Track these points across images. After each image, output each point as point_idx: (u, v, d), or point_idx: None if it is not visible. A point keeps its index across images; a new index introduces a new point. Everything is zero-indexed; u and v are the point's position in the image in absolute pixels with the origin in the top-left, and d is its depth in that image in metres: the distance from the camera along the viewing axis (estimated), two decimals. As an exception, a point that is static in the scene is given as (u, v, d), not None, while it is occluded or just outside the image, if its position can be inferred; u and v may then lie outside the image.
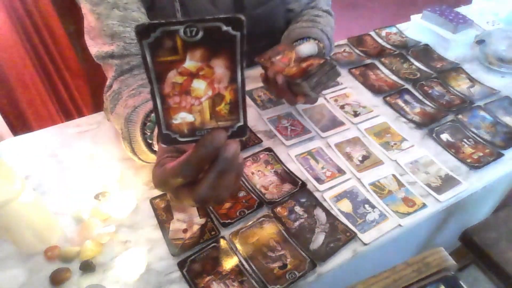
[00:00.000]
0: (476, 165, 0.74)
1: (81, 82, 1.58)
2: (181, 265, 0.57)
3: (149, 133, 0.56)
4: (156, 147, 0.55)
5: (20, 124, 1.37)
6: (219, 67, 0.32)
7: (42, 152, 0.75)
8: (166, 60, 0.31)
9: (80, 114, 1.57)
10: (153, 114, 0.53)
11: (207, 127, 0.35)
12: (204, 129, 0.35)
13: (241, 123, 0.35)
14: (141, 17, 0.68)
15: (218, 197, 0.37)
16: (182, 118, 0.34)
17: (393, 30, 1.16)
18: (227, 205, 0.65)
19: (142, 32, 0.29)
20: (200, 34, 0.30)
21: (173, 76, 0.32)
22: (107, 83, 0.70)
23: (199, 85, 0.33)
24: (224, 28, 0.30)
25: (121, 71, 0.68)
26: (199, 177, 0.35)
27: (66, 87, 1.51)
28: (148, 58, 0.31)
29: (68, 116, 1.54)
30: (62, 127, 0.82)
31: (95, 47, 0.68)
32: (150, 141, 0.56)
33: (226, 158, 0.34)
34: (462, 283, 0.52)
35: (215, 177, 0.35)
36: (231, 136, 0.35)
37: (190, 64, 0.31)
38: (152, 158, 0.59)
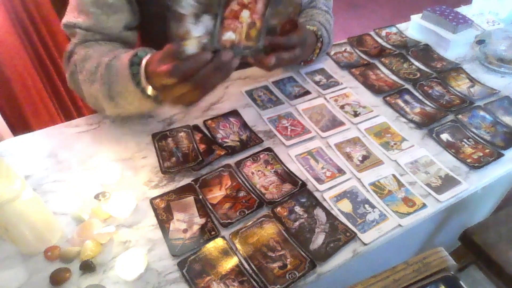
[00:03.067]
0: (476, 165, 0.74)
1: (81, 82, 1.57)
2: (181, 265, 0.57)
3: (136, 65, 0.62)
4: (149, 92, 0.63)
5: (20, 124, 1.37)
6: (260, 3, 0.50)
7: (42, 152, 0.75)
8: None
9: (80, 114, 1.57)
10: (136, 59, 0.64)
11: (241, 44, 0.53)
12: (239, 46, 0.53)
13: (260, 43, 0.55)
14: (118, 5, 0.72)
15: (208, 84, 0.54)
16: (229, 36, 0.50)
17: (393, 30, 1.16)
18: (227, 205, 0.65)
19: None
20: None
21: (234, 5, 0.48)
22: (68, 48, 0.74)
23: (245, 14, 0.49)
24: None
25: (85, 40, 0.73)
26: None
27: (66, 87, 1.51)
28: None
29: (68, 116, 1.54)
30: (62, 127, 0.82)
31: (65, 18, 0.73)
32: (136, 72, 0.62)
33: (220, 59, 0.51)
34: (462, 283, 0.52)
35: (208, 70, 0.51)
36: (253, 52, 0.55)
37: None
38: (132, 98, 0.65)
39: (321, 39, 0.86)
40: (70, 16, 0.73)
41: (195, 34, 0.47)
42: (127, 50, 0.67)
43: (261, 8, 0.50)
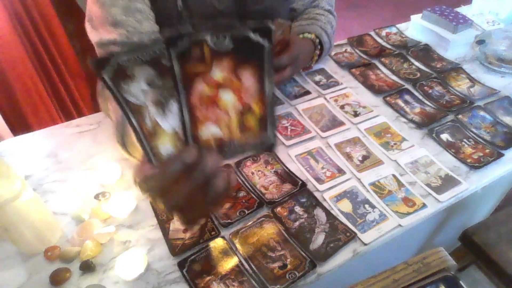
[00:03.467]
0: (476, 165, 0.74)
1: (81, 82, 1.58)
2: (181, 265, 0.57)
3: None
4: None
5: (20, 124, 1.37)
6: (247, 79, 0.31)
7: (42, 152, 0.75)
8: (194, 69, 0.31)
9: (80, 114, 1.57)
10: None
11: (235, 142, 0.34)
12: (232, 144, 0.35)
13: (269, 136, 0.35)
14: (145, 8, 0.68)
15: (191, 210, 0.36)
16: (211, 132, 0.33)
17: (393, 30, 1.16)
18: (227, 205, 0.65)
19: (169, 40, 0.29)
20: (228, 42, 0.29)
21: (201, 87, 0.31)
22: None
23: (227, 97, 0.32)
24: (253, 36, 0.29)
25: None
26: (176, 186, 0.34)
27: (66, 87, 1.51)
28: (176, 68, 0.30)
29: (68, 116, 1.54)
30: (62, 127, 0.82)
31: (97, 36, 0.68)
32: None
33: (203, 170, 0.33)
34: (462, 283, 0.52)
35: (188, 188, 0.33)
36: (259, 150, 0.36)
37: (217, 74, 0.31)
38: (140, 153, 0.59)
39: (319, 46, 0.85)
40: (102, 32, 0.67)
41: (166, 128, 0.33)
42: None
43: (254, 85, 0.31)
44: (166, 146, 0.34)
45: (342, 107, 0.87)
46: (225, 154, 0.34)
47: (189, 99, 0.32)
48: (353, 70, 0.98)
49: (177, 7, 0.71)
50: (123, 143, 0.60)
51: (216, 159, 0.33)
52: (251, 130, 0.34)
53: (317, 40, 0.84)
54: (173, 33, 0.28)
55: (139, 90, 0.31)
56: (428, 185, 0.70)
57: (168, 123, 0.33)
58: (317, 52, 0.86)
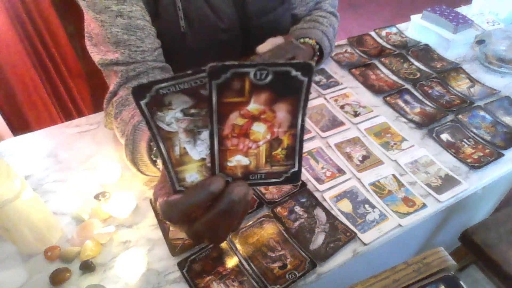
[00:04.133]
0: (476, 165, 0.74)
1: (81, 82, 1.58)
2: (181, 265, 0.57)
3: (155, 150, 0.54)
4: (160, 166, 0.53)
5: (20, 124, 1.37)
6: (281, 112, 0.31)
7: (42, 152, 0.75)
8: (232, 101, 0.30)
9: (80, 114, 1.57)
10: None
11: (261, 171, 0.34)
12: (258, 173, 0.35)
13: (296, 169, 0.35)
14: (146, 25, 0.66)
15: (215, 236, 0.36)
16: (238, 160, 0.33)
17: (393, 30, 1.16)
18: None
19: (213, 73, 0.28)
20: (269, 77, 0.29)
21: (234, 118, 0.31)
22: (111, 89, 0.68)
23: (258, 129, 0.32)
24: (294, 73, 0.29)
25: (127, 77, 0.67)
26: (199, 214, 0.34)
27: (66, 87, 1.51)
28: (214, 99, 0.30)
29: (68, 116, 1.54)
30: (62, 127, 0.82)
31: (98, 54, 0.67)
32: (155, 159, 0.54)
33: (230, 199, 0.33)
34: (462, 283, 0.52)
35: (213, 217, 0.33)
36: (284, 181, 0.35)
37: (253, 107, 0.31)
38: (152, 171, 0.58)
39: (318, 53, 0.84)
40: (104, 52, 0.67)
41: (194, 156, 0.33)
42: None
43: (286, 117, 0.31)
44: (192, 173, 0.34)
45: (342, 107, 0.87)
46: (250, 182, 0.35)
47: (221, 129, 0.31)
48: (353, 70, 0.98)
49: (180, 27, 0.71)
50: (133, 160, 0.59)
51: (243, 189, 0.33)
52: (277, 161, 0.34)
53: (317, 46, 0.83)
54: (218, 66, 0.28)
55: (173, 118, 0.31)
56: (428, 185, 0.70)
57: (197, 151, 0.33)
58: (315, 58, 0.85)
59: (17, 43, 1.26)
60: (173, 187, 0.34)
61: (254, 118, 0.31)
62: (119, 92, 0.68)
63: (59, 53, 1.42)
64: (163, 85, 0.29)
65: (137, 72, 0.67)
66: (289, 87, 0.30)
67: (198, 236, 0.35)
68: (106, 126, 0.76)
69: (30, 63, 1.33)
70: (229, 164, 0.33)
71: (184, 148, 0.33)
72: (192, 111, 0.31)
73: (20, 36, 1.27)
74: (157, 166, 0.54)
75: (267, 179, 0.35)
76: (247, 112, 0.31)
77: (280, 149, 0.34)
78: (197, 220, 0.34)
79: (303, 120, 0.32)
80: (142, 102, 0.29)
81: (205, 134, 0.32)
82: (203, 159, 0.33)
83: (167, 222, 0.38)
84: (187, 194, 0.33)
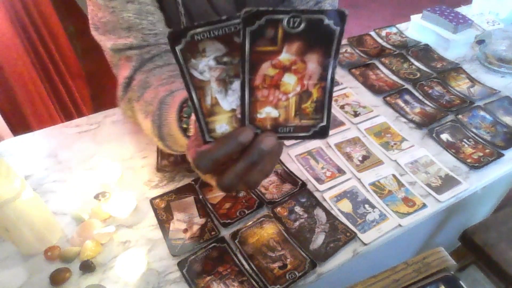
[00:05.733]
0: (476, 165, 0.74)
1: (81, 82, 1.58)
2: (181, 265, 0.57)
3: (185, 118, 0.53)
4: (192, 132, 0.52)
5: (20, 124, 1.37)
6: (312, 63, 0.31)
7: (42, 152, 0.75)
8: (264, 50, 0.30)
9: (80, 114, 1.57)
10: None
11: (290, 124, 0.34)
12: (287, 126, 0.35)
13: (324, 123, 0.35)
14: (156, 10, 0.67)
15: (247, 183, 0.37)
16: (267, 112, 0.33)
17: (393, 30, 1.16)
18: (227, 205, 0.65)
19: (247, 18, 0.29)
20: (302, 25, 0.29)
21: (266, 68, 0.31)
22: (127, 74, 0.67)
23: (289, 80, 0.32)
24: (326, 21, 0.29)
25: (142, 60, 0.66)
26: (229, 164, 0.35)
27: (66, 87, 1.51)
28: (247, 47, 0.30)
29: (68, 116, 1.54)
30: (62, 127, 0.82)
31: (109, 41, 0.67)
32: (186, 126, 0.53)
33: (260, 150, 0.34)
34: (462, 283, 0.52)
35: (242, 167, 0.34)
36: (312, 136, 0.35)
37: (285, 56, 0.31)
38: (182, 143, 0.57)
39: None
40: (114, 38, 0.65)
41: (225, 107, 0.33)
42: None
43: (317, 69, 0.31)
44: (222, 124, 0.34)
45: (342, 107, 0.87)
46: (278, 135, 0.35)
47: (252, 79, 0.31)
48: (353, 70, 0.98)
49: (181, 23, 0.71)
50: (160, 135, 0.58)
51: (272, 139, 0.34)
52: (307, 114, 0.34)
53: None
54: (252, 11, 0.28)
55: (206, 65, 0.31)
56: (428, 185, 0.70)
57: (228, 101, 0.33)
58: None
59: (17, 43, 1.26)
60: (204, 138, 0.35)
61: (285, 69, 0.31)
62: (136, 77, 0.67)
63: (59, 53, 1.42)
64: (198, 30, 0.29)
65: (152, 54, 0.67)
66: (321, 37, 0.30)
67: (229, 186, 0.36)
68: (124, 113, 0.73)
69: (30, 63, 1.33)
70: (258, 116, 0.33)
71: (215, 98, 0.33)
72: (225, 59, 0.31)
73: (20, 36, 1.27)
74: (188, 134, 0.53)
75: (296, 132, 0.35)
76: (279, 62, 0.31)
77: (309, 102, 0.33)
78: (227, 170, 0.35)
79: (333, 73, 0.32)
80: (177, 48, 0.30)
81: (236, 84, 0.32)
82: (233, 110, 0.34)
83: (200, 173, 0.40)
84: (217, 144, 0.34)
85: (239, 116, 0.34)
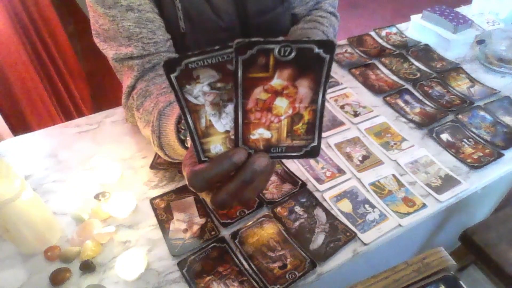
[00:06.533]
0: (476, 165, 0.74)
1: (81, 82, 1.58)
2: (181, 265, 0.57)
3: (183, 130, 0.55)
4: (189, 144, 0.54)
5: (20, 124, 1.37)
6: (303, 88, 0.33)
7: (42, 152, 0.75)
8: (256, 76, 0.32)
9: (80, 114, 1.57)
10: None
11: (282, 145, 0.36)
12: (279, 146, 0.36)
13: (315, 143, 0.36)
14: (156, 17, 0.67)
15: (241, 200, 0.38)
16: (260, 133, 0.35)
17: (393, 30, 1.16)
18: (227, 205, 0.65)
19: (240, 48, 0.30)
20: (293, 54, 0.31)
21: (258, 93, 0.33)
22: (129, 83, 0.69)
23: (281, 103, 0.34)
24: (316, 50, 0.31)
25: (143, 70, 0.67)
26: (223, 183, 0.37)
27: (66, 87, 1.51)
28: (239, 74, 0.31)
29: (68, 116, 1.54)
30: (62, 127, 0.82)
31: (111, 50, 0.68)
32: (184, 138, 0.55)
33: (253, 170, 0.35)
34: (462, 283, 0.52)
35: (236, 186, 0.36)
36: (303, 155, 0.37)
37: (277, 82, 0.32)
38: (180, 153, 0.59)
39: None
40: (116, 46, 0.67)
41: (219, 129, 0.35)
42: None
43: (308, 93, 0.33)
44: (216, 145, 0.36)
45: (342, 107, 0.87)
46: (271, 155, 0.37)
47: (245, 103, 0.33)
48: (353, 70, 0.98)
49: (180, 28, 0.71)
50: (160, 145, 0.60)
51: (265, 159, 0.36)
52: (298, 135, 0.36)
53: None
54: (244, 42, 0.30)
55: (200, 91, 0.33)
56: (428, 185, 0.70)
57: (222, 123, 0.35)
58: None
59: (17, 43, 1.26)
60: (198, 157, 0.36)
61: (277, 93, 0.33)
62: (137, 86, 0.68)
63: (59, 53, 1.43)
64: (192, 59, 0.31)
65: (153, 64, 0.68)
66: (311, 64, 0.32)
67: (223, 203, 0.38)
68: (127, 121, 0.76)
69: (30, 63, 1.33)
70: (252, 137, 0.35)
71: (210, 120, 0.35)
72: (219, 85, 0.33)
73: (20, 36, 1.27)
74: (186, 145, 0.55)
75: (288, 152, 0.37)
76: (271, 87, 0.33)
77: (301, 124, 0.35)
78: (221, 189, 0.37)
79: (323, 97, 0.34)
80: (172, 76, 0.31)
81: (230, 108, 0.34)
82: (227, 132, 0.35)
83: (196, 192, 0.41)
84: (211, 164, 0.36)
85: (232, 137, 0.35)
